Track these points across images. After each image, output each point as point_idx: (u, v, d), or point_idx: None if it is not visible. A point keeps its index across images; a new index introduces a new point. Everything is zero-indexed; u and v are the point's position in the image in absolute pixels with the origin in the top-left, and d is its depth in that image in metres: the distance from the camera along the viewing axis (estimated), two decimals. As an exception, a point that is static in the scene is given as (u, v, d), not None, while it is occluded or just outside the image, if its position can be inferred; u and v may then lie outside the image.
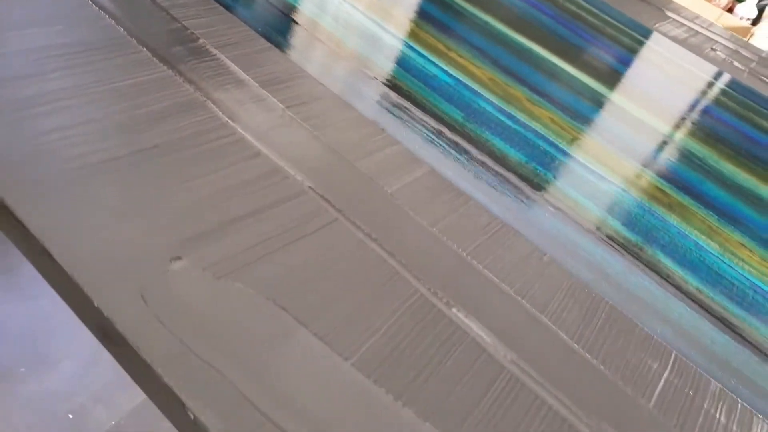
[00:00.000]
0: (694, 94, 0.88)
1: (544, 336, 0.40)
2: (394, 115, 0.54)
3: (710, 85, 0.92)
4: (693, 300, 0.48)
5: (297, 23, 0.63)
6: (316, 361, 0.32)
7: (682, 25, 1.10)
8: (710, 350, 0.44)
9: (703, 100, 0.87)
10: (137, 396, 1.14)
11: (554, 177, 0.56)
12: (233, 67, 0.51)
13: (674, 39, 1.02)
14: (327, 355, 0.33)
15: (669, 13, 1.13)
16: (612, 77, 0.82)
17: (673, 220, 0.56)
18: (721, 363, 0.44)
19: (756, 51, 1.14)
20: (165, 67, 0.48)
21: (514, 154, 0.56)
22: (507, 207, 0.49)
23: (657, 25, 1.05)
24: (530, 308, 0.41)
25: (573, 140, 0.62)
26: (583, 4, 1.01)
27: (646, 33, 1.01)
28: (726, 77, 0.96)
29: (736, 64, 1.03)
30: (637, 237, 0.53)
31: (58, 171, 0.36)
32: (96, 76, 0.45)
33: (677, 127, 0.76)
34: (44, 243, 0.32)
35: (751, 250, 0.57)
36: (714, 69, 0.97)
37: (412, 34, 0.70)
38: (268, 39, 0.57)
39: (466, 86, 0.63)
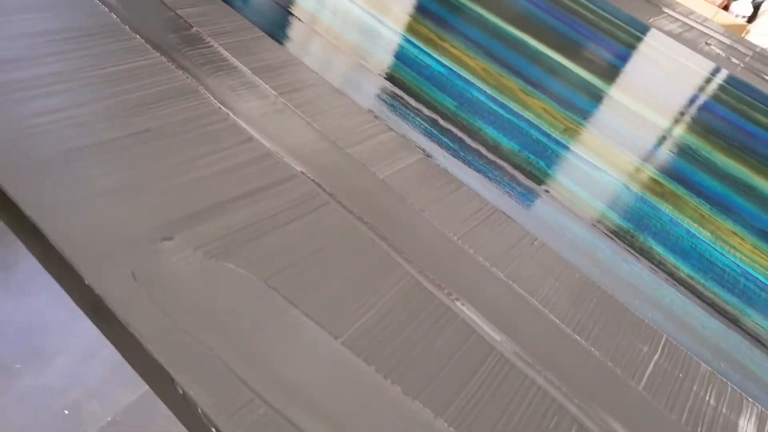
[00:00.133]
0: (687, 86, 0.88)
1: (535, 318, 0.40)
2: (387, 103, 0.55)
3: (703, 77, 0.93)
4: (685, 286, 0.48)
5: (291, 14, 0.63)
6: (306, 339, 0.32)
7: (677, 20, 1.11)
8: (701, 335, 0.45)
9: (696, 92, 0.87)
10: (132, 392, 1.14)
11: (547, 165, 0.56)
12: (226, 54, 0.51)
13: (669, 33, 1.03)
14: (317, 334, 0.33)
15: (664, 9, 1.14)
16: (605, 69, 0.83)
17: (665, 208, 0.57)
18: (712, 347, 0.44)
19: (750, 46, 1.14)
20: (158, 54, 0.48)
21: (506, 143, 0.56)
22: (499, 194, 0.50)
23: (652, 19, 1.06)
24: (521, 291, 0.41)
25: (565, 130, 0.62)
26: (578, -1, 1.01)
27: (640, 26, 1.01)
28: (718, 70, 0.96)
29: (729, 57, 1.03)
30: (629, 224, 0.53)
31: (52, 152, 0.36)
32: (90, 61, 0.45)
33: (670, 118, 0.76)
34: (36, 222, 0.32)
35: (742, 238, 0.57)
36: (707, 62, 0.98)
37: (406, 25, 0.71)
38: (261, 28, 0.57)
39: (459, 76, 0.63)
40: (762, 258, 0.55)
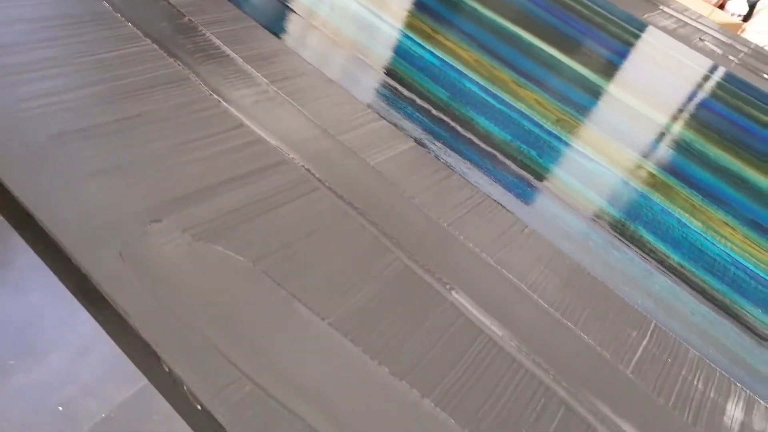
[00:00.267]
0: (681, 81, 0.89)
1: (524, 303, 0.40)
2: (378, 92, 0.55)
3: (697, 72, 0.93)
4: (675, 274, 0.49)
5: (285, 5, 0.63)
6: (294, 320, 0.33)
7: (671, 16, 1.11)
8: (690, 321, 0.45)
9: (690, 87, 0.88)
10: (127, 388, 1.14)
11: (538, 155, 0.56)
12: (218, 43, 0.51)
13: (663, 29, 1.03)
14: (304, 315, 0.33)
15: (659, 5, 1.14)
16: (598, 63, 0.83)
17: (656, 198, 0.57)
18: (701, 333, 0.44)
19: (745, 42, 1.15)
20: (149, 41, 0.48)
21: (498, 133, 0.56)
22: (490, 182, 0.50)
23: (646, 15, 1.06)
24: (510, 276, 0.41)
25: (558, 121, 0.62)
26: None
27: (635, 22, 1.01)
28: (714, 66, 0.97)
29: (724, 54, 1.04)
30: (620, 214, 0.53)
31: (43, 136, 0.37)
32: (82, 47, 0.45)
33: (663, 111, 0.76)
34: (25, 203, 0.32)
35: (733, 228, 0.57)
36: (701, 58, 0.98)
37: (400, 17, 0.71)
38: (254, 19, 0.57)
39: (452, 67, 0.63)
40: (752, 248, 0.56)
